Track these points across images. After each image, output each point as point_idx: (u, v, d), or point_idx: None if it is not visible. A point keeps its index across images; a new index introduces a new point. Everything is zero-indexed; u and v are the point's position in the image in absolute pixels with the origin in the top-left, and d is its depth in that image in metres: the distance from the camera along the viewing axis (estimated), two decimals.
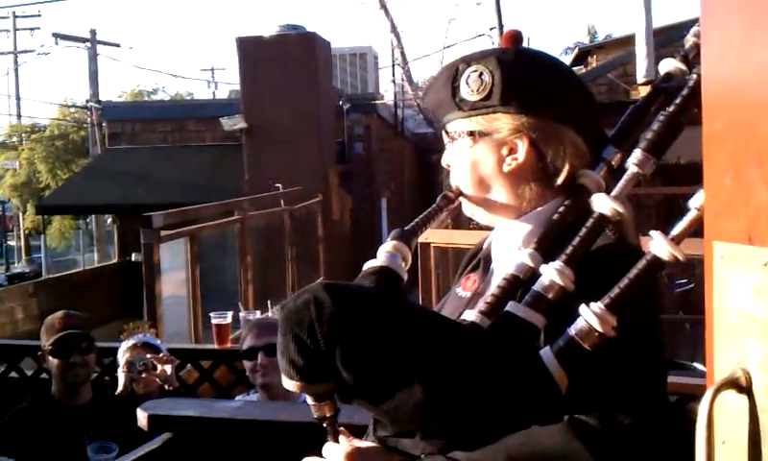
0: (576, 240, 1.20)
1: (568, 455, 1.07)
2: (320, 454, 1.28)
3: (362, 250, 13.24)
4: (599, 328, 1.08)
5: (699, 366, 4.84)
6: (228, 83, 34.67)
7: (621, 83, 11.21)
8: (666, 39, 9.74)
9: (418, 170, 17.78)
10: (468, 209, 1.40)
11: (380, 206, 14.95)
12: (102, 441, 2.80)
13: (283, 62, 12.10)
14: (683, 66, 1.34)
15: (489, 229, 1.47)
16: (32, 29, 34.19)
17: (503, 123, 1.30)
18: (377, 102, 15.27)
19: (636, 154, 1.27)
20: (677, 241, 1.08)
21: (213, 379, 3.92)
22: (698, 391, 1.65)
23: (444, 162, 1.43)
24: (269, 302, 4.79)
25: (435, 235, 5.77)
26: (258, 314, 4.03)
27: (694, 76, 1.27)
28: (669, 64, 1.35)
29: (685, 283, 7.22)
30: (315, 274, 10.71)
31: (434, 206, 1.41)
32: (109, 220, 21.83)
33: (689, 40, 1.36)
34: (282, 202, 9.89)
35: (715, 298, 0.88)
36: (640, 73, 8.62)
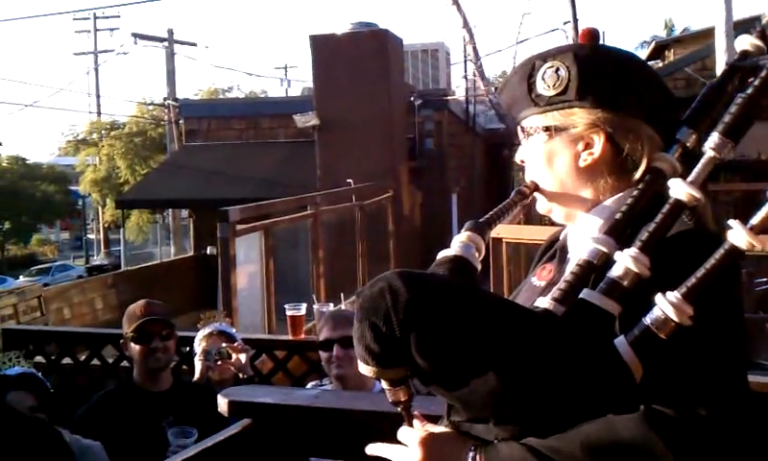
0: (652, 226, 1.19)
1: (645, 446, 1.06)
2: (395, 442, 1.31)
3: (432, 245, 13.21)
4: (675, 318, 1.07)
5: None
6: (300, 80, 35.02)
7: (699, 77, 10.94)
8: (746, 32, 9.46)
9: (488, 166, 17.66)
10: (544, 205, 1.40)
11: (450, 201, 14.92)
12: (181, 426, 2.87)
13: (356, 59, 12.18)
14: (760, 43, 1.30)
15: (563, 225, 1.46)
16: (111, 29, 35.29)
17: (579, 118, 1.29)
18: (449, 98, 15.23)
19: (714, 137, 1.23)
20: (756, 231, 1.05)
21: (287, 369, 4.00)
22: None
23: (518, 158, 1.43)
24: (342, 294, 4.86)
25: (507, 231, 5.75)
26: (332, 306, 4.09)
27: None
28: (745, 41, 1.31)
29: (765, 282, 7.02)
30: (385, 268, 10.71)
31: (508, 200, 1.42)
32: (185, 214, 22.36)
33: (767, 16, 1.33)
34: (354, 197, 9.98)
35: None
36: (720, 67, 8.39)
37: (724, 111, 1.25)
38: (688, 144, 1.31)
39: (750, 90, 1.22)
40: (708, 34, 9.98)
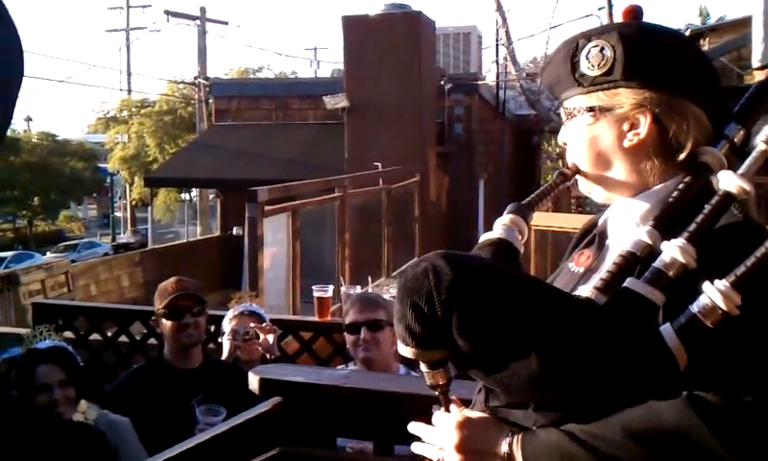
0: (700, 217, 1.18)
1: (688, 431, 1.05)
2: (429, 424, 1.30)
3: (458, 230, 13.26)
4: (723, 306, 1.06)
5: None
6: (330, 61, 35.05)
7: (735, 67, 10.78)
8: None
9: (517, 152, 17.56)
10: (585, 187, 1.38)
11: (478, 187, 14.87)
12: (210, 404, 2.89)
13: (387, 41, 12.13)
14: None
15: (597, 211, 1.45)
16: (144, 6, 35.51)
17: (625, 98, 1.27)
18: (479, 82, 15.15)
19: (765, 131, 1.22)
20: None
21: (312, 350, 4.02)
22: None
23: (560, 140, 1.41)
24: (369, 277, 4.87)
25: (534, 218, 5.72)
26: (359, 289, 4.10)
27: None
28: None
29: None
30: (410, 253, 10.76)
31: (550, 182, 1.40)
32: (213, 195, 22.49)
33: None
34: (381, 180, 9.97)
35: None
36: (756, 57, 8.23)
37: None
38: (736, 140, 1.30)
39: None
40: (744, 23, 9.81)
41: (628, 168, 1.31)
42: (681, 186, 1.26)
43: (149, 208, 29.35)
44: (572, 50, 1.32)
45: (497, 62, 15.55)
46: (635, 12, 1.41)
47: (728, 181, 1.20)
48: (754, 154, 1.23)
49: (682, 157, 1.28)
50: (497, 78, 15.65)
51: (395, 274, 9.19)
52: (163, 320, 3.13)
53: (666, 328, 1.09)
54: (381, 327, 2.87)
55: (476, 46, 17.09)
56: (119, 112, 33.43)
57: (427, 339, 1.14)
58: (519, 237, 1.32)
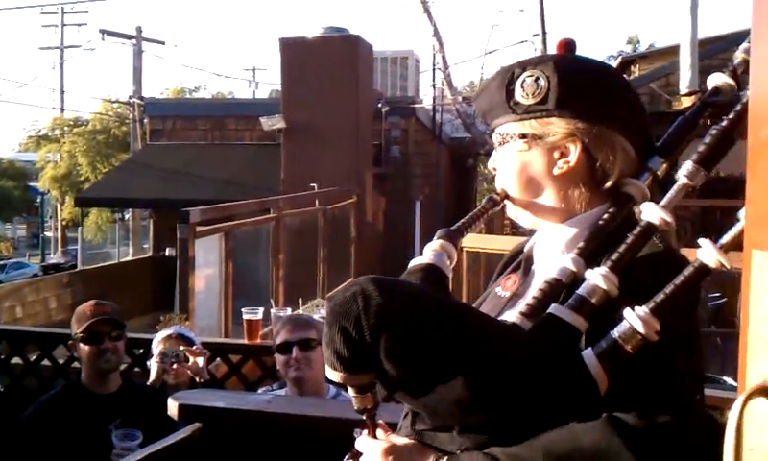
0: (622, 247, 1.21)
1: (607, 452, 1.07)
2: (354, 451, 1.30)
3: (394, 252, 13.26)
4: (642, 331, 1.09)
5: (728, 380, 4.80)
6: (269, 83, 34.97)
7: (664, 93, 11.09)
8: (710, 51, 9.62)
9: (453, 174, 17.74)
10: (513, 212, 1.41)
11: (414, 209, 14.94)
12: (127, 429, 2.82)
13: (325, 64, 12.17)
14: (731, 81, 1.35)
15: (529, 234, 1.47)
16: (79, 25, 34.88)
17: (557, 127, 1.31)
18: (416, 105, 15.28)
19: (687, 165, 1.27)
20: (725, 249, 1.09)
21: (242, 374, 3.96)
22: (727, 405, 1.64)
23: (490, 165, 1.44)
24: (300, 299, 4.84)
25: (467, 240, 5.75)
26: (289, 311, 4.06)
27: (748, 92, 1.28)
28: (718, 79, 1.36)
29: (718, 297, 7.18)
30: (346, 274, 10.74)
31: (479, 208, 1.43)
32: (146, 215, 22.12)
33: (738, 56, 1.37)
34: (317, 201, 9.94)
35: (751, 306, 0.88)
36: (684, 84, 8.52)
37: (699, 143, 1.29)
38: (659, 172, 1.35)
39: (724, 124, 1.27)
40: (673, 51, 10.13)
41: (556, 195, 1.34)
42: (605, 216, 1.30)
43: (79, 229, 28.69)
44: (508, 78, 1.35)
45: (434, 86, 15.72)
46: (569, 46, 1.46)
47: (650, 213, 1.24)
48: (675, 187, 1.27)
49: (607, 185, 1.32)
50: (434, 101, 15.81)
51: (328, 296, 9.15)
52: (81, 344, 3.06)
53: (588, 353, 1.12)
54: (312, 346, 2.86)
55: (413, 70, 17.28)
56: (51, 131, 32.73)
57: (355, 363, 1.14)
58: (448, 262, 1.34)
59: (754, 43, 0.93)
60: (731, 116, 1.27)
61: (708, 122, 1.36)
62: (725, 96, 1.35)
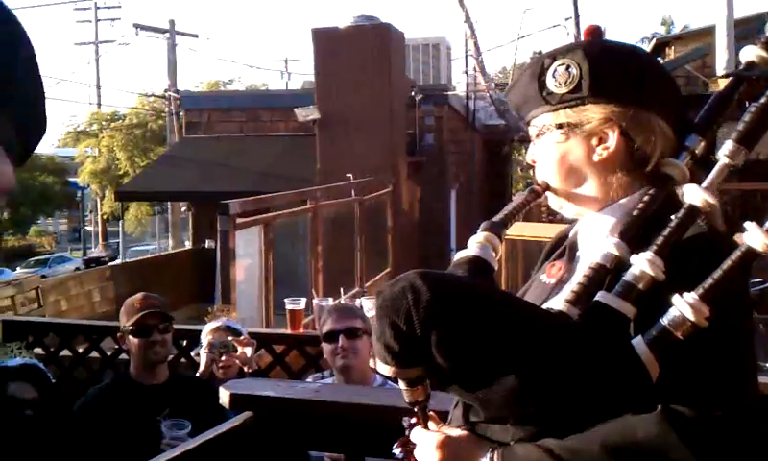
0: (667, 231, 1.20)
1: (663, 445, 1.07)
2: (405, 439, 1.32)
3: (430, 240, 13.28)
4: (692, 318, 1.09)
5: None
6: (301, 73, 35.01)
7: (700, 75, 10.93)
8: (747, 31, 9.45)
9: (487, 162, 17.65)
10: (556, 203, 1.41)
11: (449, 197, 14.92)
12: (175, 419, 2.86)
13: (357, 53, 12.15)
14: (765, 54, 1.33)
15: (569, 221, 1.47)
16: (113, 20, 35.22)
17: (593, 114, 1.30)
18: (449, 93, 15.22)
19: (728, 144, 1.25)
20: None
21: (285, 363, 4.01)
22: None
23: (529, 158, 1.44)
24: (341, 289, 4.88)
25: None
26: (331, 301, 4.10)
27: None
28: (751, 52, 1.34)
29: (760, 283, 7.06)
30: (383, 263, 10.77)
31: (521, 199, 1.43)
32: (184, 207, 22.34)
33: None
34: (353, 192, 9.98)
35: None
36: (720, 65, 8.38)
37: (739, 121, 1.27)
38: (697, 151, 1.34)
39: (763, 99, 1.25)
40: (708, 32, 9.97)
41: (597, 182, 1.34)
42: (646, 199, 1.28)
43: (120, 222, 29.04)
44: (539, 69, 1.35)
45: (467, 73, 15.63)
46: (596, 32, 1.46)
47: (693, 195, 1.22)
48: (717, 167, 1.26)
49: (648, 168, 1.31)
50: (467, 88, 15.73)
51: (367, 285, 9.19)
52: (130, 337, 3.11)
53: (638, 342, 1.12)
54: (359, 335, 2.89)
55: (446, 57, 17.17)
56: (89, 126, 33.11)
57: (406, 357, 1.16)
58: (494, 254, 1.34)
59: None
60: None
61: (746, 102, 1.33)
62: (759, 70, 1.32)
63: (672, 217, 1.22)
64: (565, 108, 1.32)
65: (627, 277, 1.18)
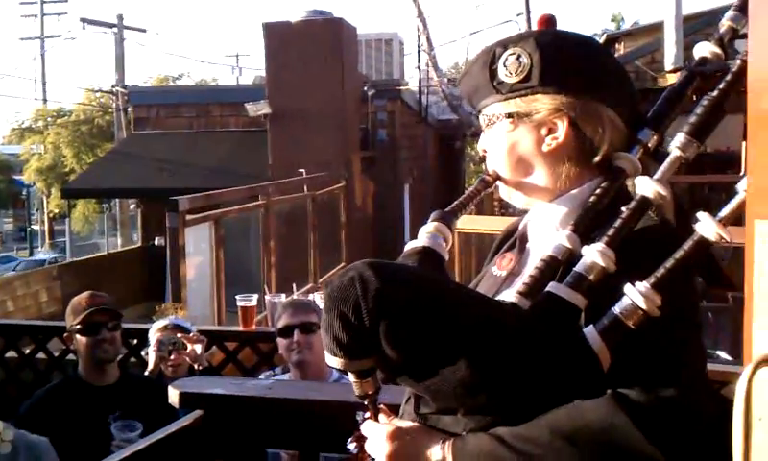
0: (618, 222, 1.21)
1: (612, 428, 1.07)
2: (357, 434, 1.30)
3: (385, 235, 13.28)
4: (644, 307, 1.10)
5: (722, 354, 4.83)
6: (252, 68, 34.78)
7: (649, 70, 11.09)
8: (695, 26, 9.62)
9: (441, 156, 17.73)
10: (506, 193, 1.40)
11: (403, 192, 14.94)
12: (126, 420, 2.82)
13: (309, 48, 12.11)
14: (718, 50, 1.35)
15: (520, 214, 1.47)
16: (59, 14, 34.55)
17: (542, 103, 1.30)
18: (402, 88, 15.24)
19: (680, 137, 1.27)
20: (724, 223, 1.09)
21: (238, 361, 3.96)
22: (721, 378, 1.66)
23: (479, 147, 1.44)
24: (294, 285, 4.85)
25: (458, 221, 5.78)
26: (284, 297, 4.06)
27: (738, 61, 1.27)
28: (705, 49, 1.36)
29: None
30: (337, 259, 10.74)
31: (472, 189, 1.43)
32: (133, 205, 22.01)
33: (724, 24, 1.36)
34: (306, 187, 9.93)
35: (755, 277, 0.89)
36: (669, 60, 8.51)
37: (690, 114, 1.29)
38: (650, 144, 1.34)
39: (714, 93, 1.27)
40: (657, 28, 10.12)
41: (547, 172, 1.33)
42: (598, 191, 1.29)
43: (67, 220, 28.52)
44: (490, 58, 1.34)
45: (419, 68, 15.66)
46: (549, 21, 1.46)
47: (645, 186, 1.24)
48: (668, 160, 1.27)
49: (597, 159, 1.31)
50: (419, 83, 15.76)
51: (321, 280, 9.15)
52: (78, 336, 3.04)
53: (590, 330, 1.12)
54: (314, 330, 2.87)
55: (398, 52, 17.21)
56: (34, 122, 32.42)
57: (355, 349, 1.14)
58: (444, 244, 1.33)
59: (752, 14, 0.93)
60: (720, 86, 1.27)
61: (695, 96, 1.36)
62: (712, 65, 1.34)
63: (623, 208, 1.22)
64: (516, 97, 1.32)
65: (578, 267, 1.18)
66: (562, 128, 1.30)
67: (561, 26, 1.47)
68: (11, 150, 37.92)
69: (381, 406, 1.28)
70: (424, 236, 1.33)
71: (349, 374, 1.20)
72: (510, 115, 1.33)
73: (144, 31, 28.03)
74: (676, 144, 1.27)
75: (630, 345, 1.11)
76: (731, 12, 1.35)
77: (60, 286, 14.20)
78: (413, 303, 1.11)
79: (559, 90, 1.29)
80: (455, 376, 1.10)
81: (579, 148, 1.31)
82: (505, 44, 1.33)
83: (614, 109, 1.31)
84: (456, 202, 1.40)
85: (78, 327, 3.03)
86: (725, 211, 1.09)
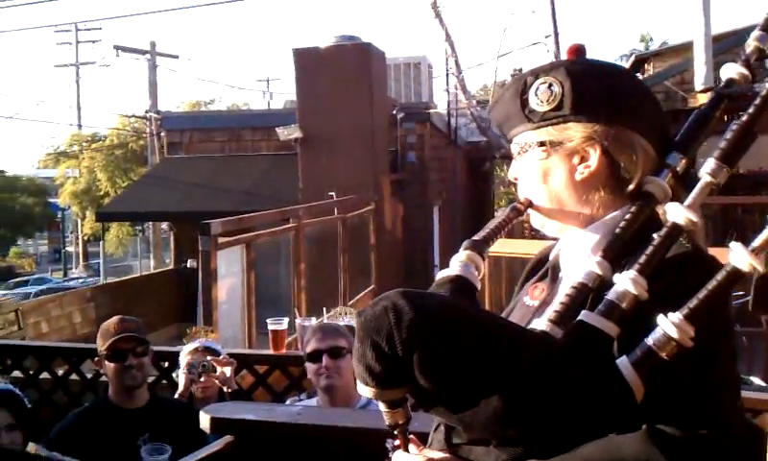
0: (649, 249, 1.19)
1: None
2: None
3: (413, 257, 13.28)
4: (677, 338, 1.08)
5: (756, 380, 4.75)
6: (283, 93, 35.03)
7: (679, 90, 11.02)
8: (725, 46, 9.55)
9: (470, 178, 17.71)
10: (538, 221, 1.40)
11: (432, 214, 14.94)
12: (155, 443, 2.83)
13: (338, 73, 12.18)
14: (745, 71, 1.33)
15: (551, 237, 1.46)
16: (93, 41, 35.10)
17: (575, 132, 1.30)
18: (431, 111, 15.27)
19: (710, 163, 1.25)
20: (757, 252, 1.07)
21: (268, 384, 3.97)
22: (755, 405, 1.64)
23: (511, 175, 1.43)
24: (324, 308, 4.85)
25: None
26: (314, 320, 4.07)
27: (767, 84, 1.25)
28: (731, 70, 1.34)
29: (742, 296, 7.09)
30: (366, 281, 10.76)
31: (503, 217, 1.42)
32: (166, 227, 22.23)
33: (751, 44, 1.34)
34: (336, 210, 9.97)
35: None
36: (699, 80, 8.44)
37: (720, 139, 1.26)
38: (678, 169, 1.33)
39: (744, 117, 1.25)
40: (686, 48, 10.05)
41: (579, 200, 1.33)
42: (627, 217, 1.28)
43: (101, 243, 28.85)
44: (521, 87, 1.34)
45: (448, 91, 15.69)
46: (579, 51, 1.46)
47: (676, 213, 1.22)
48: (699, 186, 1.25)
49: (630, 188, 1.30)
50: (448, 106, 15.78)
51: (350, 303, 9.16)
52: (106, 361, 3.08)
53: (623, 361, 1.11)
54: (343, 354, 2.86)
55: (427, 75, 17.24)
56: (69, 147, 32.95)
57: (387, 378, 1.13)
58: (476, 273, 1.32)
59: None
60: (750, 110, 1.25)
61: (725, 117, 1.34)
62: (739, 87, 1.32)
63: (654, 236, 1.21)
64: (547, 125, 1.32)
65: (610, 295, 1.17)
66: (594, 156, 1.29)
67: (590, 46, 1.46)
68: (46, 174, 38.59)
69: (411, 436, 1.27)
70: (457, 265, 1.32)
71: (380, 403, 1.19)
72: (542, 144, 1.32)
73: (176, 57, 28.44)
74: (706, 170, 1.25)
75: (664, 377, 1.10)
76: (756, 32, 1.33)
77: (93, 308, 14.34)
78: (446, 333, 1.11)
79: (590, 119, 1.29)
80: (488, 407, 1.09)
81: (612, 176, 1.30)
82: (536, 73, 1.34)
83: (646, 136, 1.30)
84: (487, 229, 1.40)
85: (105, 352, 3.06)
86: (758, 241, 1.07)
